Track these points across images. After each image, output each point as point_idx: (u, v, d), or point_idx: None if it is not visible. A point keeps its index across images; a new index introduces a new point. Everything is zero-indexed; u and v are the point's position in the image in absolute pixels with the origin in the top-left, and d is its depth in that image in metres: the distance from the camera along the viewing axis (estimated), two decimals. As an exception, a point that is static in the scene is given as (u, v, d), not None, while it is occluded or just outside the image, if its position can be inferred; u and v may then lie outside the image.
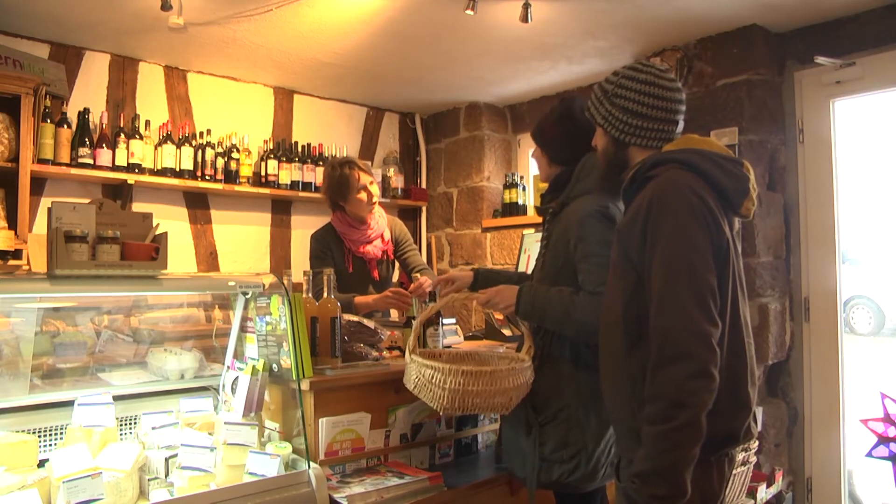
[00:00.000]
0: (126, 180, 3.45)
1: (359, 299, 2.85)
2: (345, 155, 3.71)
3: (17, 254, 2.97)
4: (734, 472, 1.68)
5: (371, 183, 2.98)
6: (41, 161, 3.20)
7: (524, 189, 4.43)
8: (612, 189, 1.82)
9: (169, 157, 3.61)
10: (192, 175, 3.69)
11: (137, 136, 3.51)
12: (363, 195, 2.94)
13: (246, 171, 3.90)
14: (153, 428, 1.94)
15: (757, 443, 2.98)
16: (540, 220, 4.09)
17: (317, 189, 4.18)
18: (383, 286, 3.04)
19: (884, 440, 2.67)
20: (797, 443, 3.31)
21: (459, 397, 1.80)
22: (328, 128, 4.49)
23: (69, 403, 1.91)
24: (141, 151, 3.51)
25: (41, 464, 1.77)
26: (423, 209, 4.96)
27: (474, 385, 1.79)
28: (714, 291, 1.41)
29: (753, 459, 2.90)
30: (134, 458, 1.77)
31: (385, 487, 1.90)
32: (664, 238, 1.44)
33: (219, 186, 3.78)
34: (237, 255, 4.10)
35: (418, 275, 2.96)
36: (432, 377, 1.80)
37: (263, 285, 2.15)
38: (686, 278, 1.40)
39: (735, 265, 1.51)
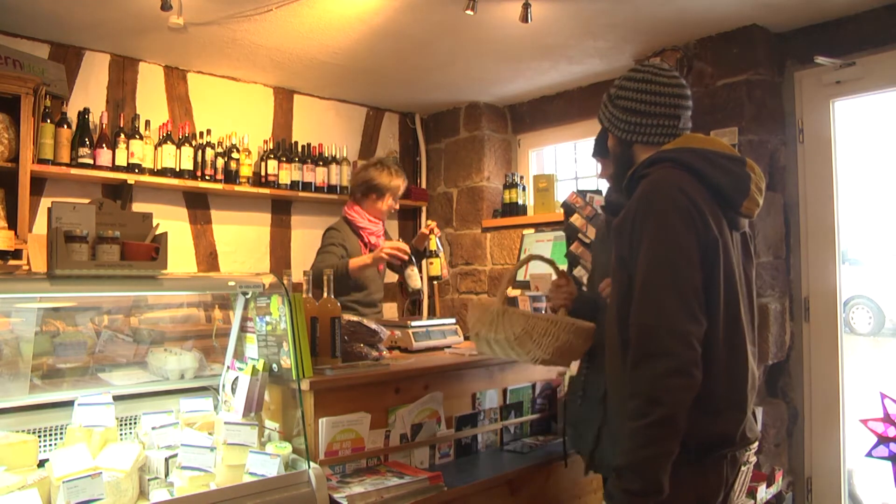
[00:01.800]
0: (126, 180, 3.45)
1: (353, 261, 3.02)
2: (385, 157, 3.83)
3: (17, 254, 2.97)
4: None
5: (396, 204, 3.33)
6: (41, 161, 3.20)
7: (524, 189, 4.43)
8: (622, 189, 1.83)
9: (169, 157, 3.61)
10: (192, 175, 3.69)
11: (137, 136, 3.51)
12: (384, 207, 3.26)
13: (246, 171, 3.90)
14: (153, 428, 1.94)
15: (757, 443, 2.98)
16: (539, 220, 4.12)
17: (317, 189, 4.18)
18: (382, 276, 3.40)
19: (884, 440, 2.67)
20: (797, 443, 3.31)
21: (562, 350, 1.84)
22: (328, 128, 4.49)
23: (69, 403, 1.91)
24: (141, 151, 3.51)
25: (41, 464, 1.77)
26: (423, 209, 4.96)
27: (578, 338, 1.83)
28: (697, 290, 1.41)
29: (753, 459, 2.90)
30: (134, 458, 1.77)
31: (385, 487, 1.90)
32: (648, 236, 1.44)
33: (219, 186, 3.78)
34: (237, 255, 4.10)
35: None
36: (546, 330, 1.81)
37: (263, 285, 2.15)
38: (667, 276, 1.40)
39: (731, 264, 1.49)
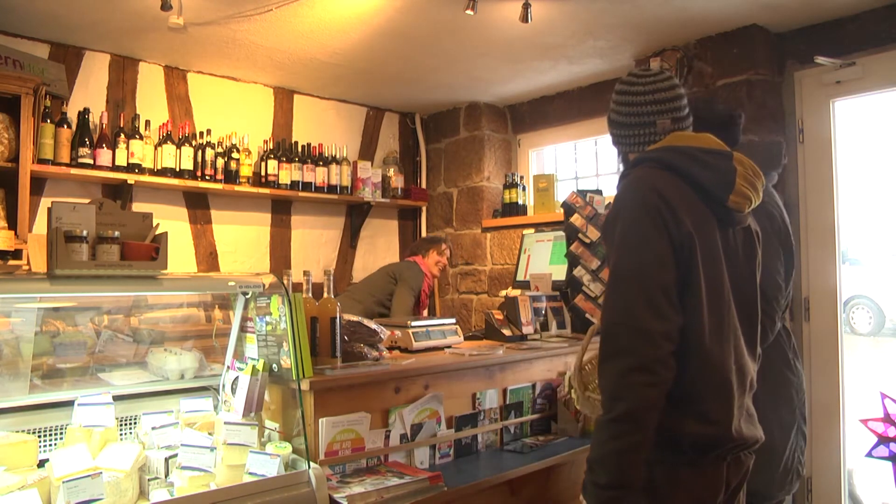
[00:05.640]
0: (126, 180, 3.45)
1: None
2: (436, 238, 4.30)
3: (17, 254, 2.97)
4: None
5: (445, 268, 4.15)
6: (41, 161, 3.20)
7: (524, 189, 4.43)
8: None
9: (169, 157, 3.61)
10: (192, 175, 3.69)
11: (137, 136, 3.51)
12: (437, 266, 4.06)
13: (246, 171, 3.90)
14: (153, 428, 1.94)
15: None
16: (539, 220, 4.12)
17: (317, 189, 4.19)
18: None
19: (884, 440, 2.67)
20: (797, 443, 3.30)
21: None
22: (328, 128, 4.49)
23: (69, 403, 1.91)
24: (141, 151, 3.51)
25: (41, 464, 1.77)
26: (423, 209, 4.96)
27: None
28: (667, 287, 1.40)
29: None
30: (134, 458, 1.77)
31: (385, 487, 1.90)
32: (618, 237, 1.47)
33: (219, 186, 3.78)
34: (237, 255, 4.10)
35: None
36: None
37: (263, 285, 2.15)
38: (632, 274, 1.42)
39: (714, 261, 1.48)
